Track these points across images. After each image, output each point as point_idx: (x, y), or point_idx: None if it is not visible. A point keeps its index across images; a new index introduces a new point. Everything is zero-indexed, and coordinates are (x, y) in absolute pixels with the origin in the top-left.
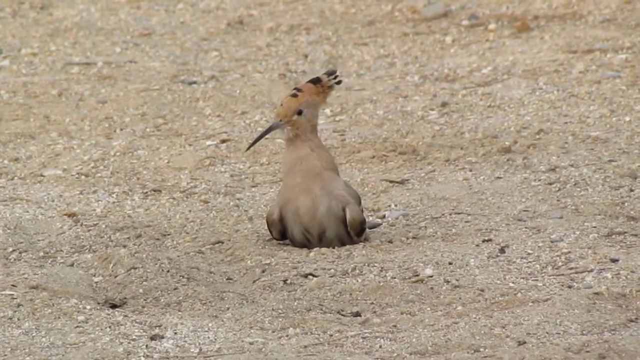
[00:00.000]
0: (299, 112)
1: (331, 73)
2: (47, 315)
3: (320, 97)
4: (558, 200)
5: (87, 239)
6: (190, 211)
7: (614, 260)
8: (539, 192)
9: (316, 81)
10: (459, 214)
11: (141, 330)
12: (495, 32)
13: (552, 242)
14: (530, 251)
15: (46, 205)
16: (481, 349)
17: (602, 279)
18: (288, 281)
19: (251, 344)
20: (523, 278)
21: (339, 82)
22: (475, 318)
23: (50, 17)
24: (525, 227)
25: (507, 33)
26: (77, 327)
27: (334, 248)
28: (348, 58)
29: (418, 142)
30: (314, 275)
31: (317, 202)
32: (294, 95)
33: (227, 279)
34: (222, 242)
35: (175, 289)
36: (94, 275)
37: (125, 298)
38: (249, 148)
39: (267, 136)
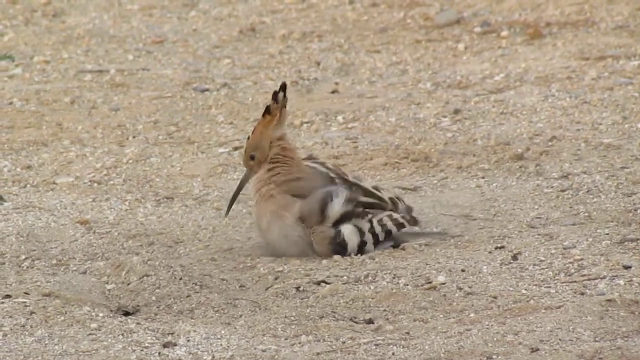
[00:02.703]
0: (252, 157)
1: (280, 90)
2: (59, 323)
3: (272, 125)
4: (570, 207)
5: (100, 247)
6: (202, 218)
7: (627, 267)
8: (551, 199)
9: (265, 112)
10: (474, 220)
11: (154, 338)
12: (507, 39)
13: (564, 249)
14: (542, 258)
15: (59, 213)
16: (494, 356)
17: (615, 285)
18: (301, 288)
19: (264, 351)
20: (536, 285)
21: (284, 89)
22: (488, 325)
23: (62, 24)
24: (538, 234)
25: (519, 40)
26: (89, 334)
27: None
28: (360, 65)
29: (430, 149)
30: (326, 283)
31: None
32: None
33: (239, 286)
34: (234, 249)
35: (188, 296)
36: (107, 283)
37: (138, 305)
38: (227, 212)
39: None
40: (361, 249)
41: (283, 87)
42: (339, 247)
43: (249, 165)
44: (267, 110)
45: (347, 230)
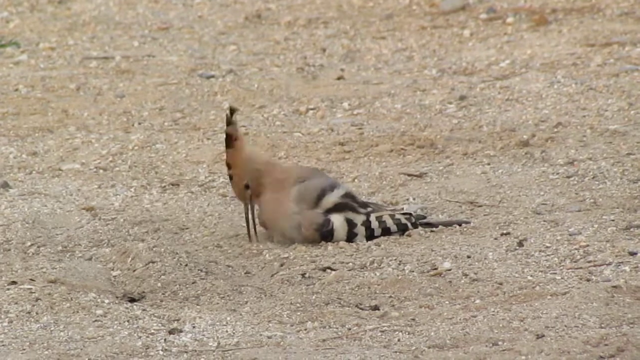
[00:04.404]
0: (247, 187)
1: (231, 114)
2: (65, 310)
3: (242, 145)
4: (576, 194)
5: (106, 233)
6: (208, 205)
7: (632, 254)
8: (557, 186)
9: (229, 140)
10: (479, 206)
11: (159, 324)
12: (513, 25)
13: (570, 235)
14: (548, 244)
15: (64, 200)
16: (499, 342)
17: (621, 272)
18: (306, 275)
19: (269, 337)
20: (541, 271)
21: (233, 112)
22: (493, 311)
23: (68, 11)
24: (544, 221)
25: (525, 26)
26: (95, 321)
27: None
28: (366, 52)
29: (436, 136)
30: (332, 269)
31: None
32: (231, 178)
33: (245, 273)
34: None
35: (193, 282)
36: (112, 269)
37: (143, 292)
38: (250, 238)
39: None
40: (350, 240)
41: (232, 110)
42: (326, 235)
43: (246, 196)
44: (230, 137)
45: (337, 221)
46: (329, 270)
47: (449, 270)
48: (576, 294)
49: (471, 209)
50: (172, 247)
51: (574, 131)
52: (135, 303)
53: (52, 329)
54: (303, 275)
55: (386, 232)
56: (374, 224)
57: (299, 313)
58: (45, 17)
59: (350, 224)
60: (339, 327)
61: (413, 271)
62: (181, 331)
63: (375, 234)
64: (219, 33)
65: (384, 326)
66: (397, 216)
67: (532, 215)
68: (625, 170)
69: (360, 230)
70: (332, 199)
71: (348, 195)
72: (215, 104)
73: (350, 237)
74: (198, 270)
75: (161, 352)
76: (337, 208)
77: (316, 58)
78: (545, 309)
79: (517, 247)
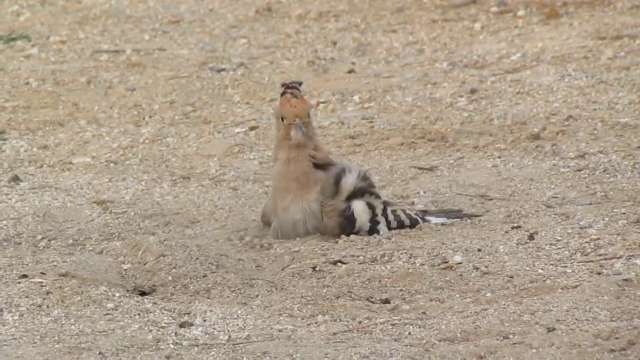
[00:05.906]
0: (308, 115)
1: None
2: (76, 303)
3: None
4: (587, 187)
5: (116, 227)
6: (219, 198)
7: None
8: (568, 179)
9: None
10: (490, 199)
11: (170, 318)
12: (524, 18)
13: (581, 228)
14: (559, 238)
15: (75, 193)
16: (510, 336)
17: (632, 265)
18: (317, 268)
19: (280, 331)
20: (552, 264)
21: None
22: (504, 304)
23: (78, 4)
24: (554, 214)
25: (536, 20)
26: (106, 314)
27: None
28: (377, 45)
29: (447, 129)
30: (342, 262)
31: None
32: (295, 96)
33: (256, 266)
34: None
35: (204, 276)
36: (123, 263)
37: (154, 285)
38: None
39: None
40: (373, 229)
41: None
42: (348, 222)
43: (306, 121)
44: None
45: (359, 207)
46: (339, 264)
47: (460, 263)
48: (587, 287)
49: (482, 202)
50: (183, 241)
51: (584, 124)
52: (146, 296)
53: (62, 322)
54: (314, 268)
55: (401, 225)
56: (390, 217)
57: (309, 306)
58: (55, 10)
59: (371, 209)
60: (350, 321)
61: (424, 264)
62: (192, 324)
63: (392, 227)
64: (230, 26)
65: (394, 319)
66: (408, 212)
67: (543, 208)
68: (636, 163)
69: (382, 219)
70: (350, 181)
71: (365, 178)
72: (226, 97)
73: (373, 225)
74: (209, 263)
75: (172, 346)
76: (356, 193)
77: (327, 51)
78: (556, 302)
79: (528, 241)
